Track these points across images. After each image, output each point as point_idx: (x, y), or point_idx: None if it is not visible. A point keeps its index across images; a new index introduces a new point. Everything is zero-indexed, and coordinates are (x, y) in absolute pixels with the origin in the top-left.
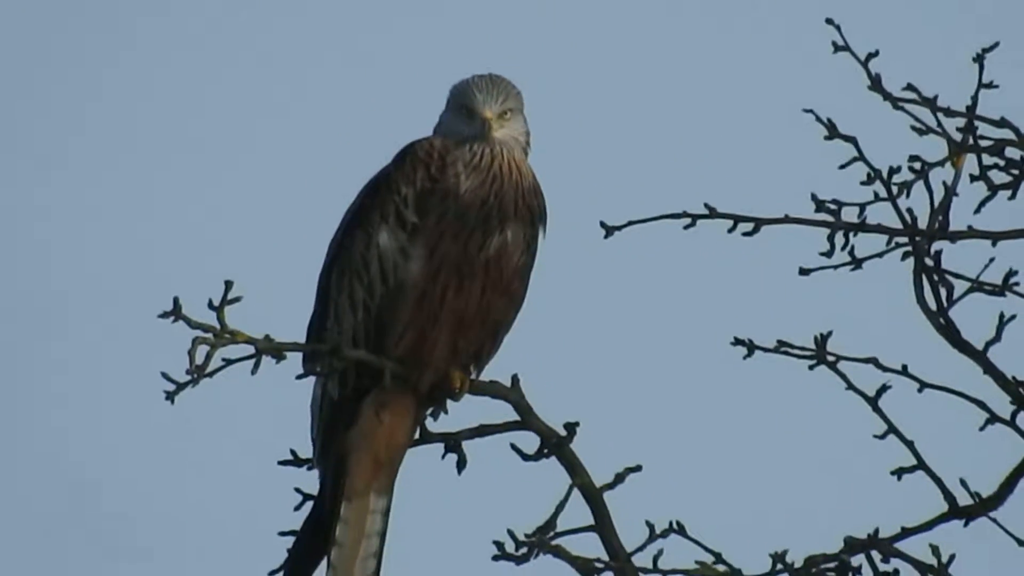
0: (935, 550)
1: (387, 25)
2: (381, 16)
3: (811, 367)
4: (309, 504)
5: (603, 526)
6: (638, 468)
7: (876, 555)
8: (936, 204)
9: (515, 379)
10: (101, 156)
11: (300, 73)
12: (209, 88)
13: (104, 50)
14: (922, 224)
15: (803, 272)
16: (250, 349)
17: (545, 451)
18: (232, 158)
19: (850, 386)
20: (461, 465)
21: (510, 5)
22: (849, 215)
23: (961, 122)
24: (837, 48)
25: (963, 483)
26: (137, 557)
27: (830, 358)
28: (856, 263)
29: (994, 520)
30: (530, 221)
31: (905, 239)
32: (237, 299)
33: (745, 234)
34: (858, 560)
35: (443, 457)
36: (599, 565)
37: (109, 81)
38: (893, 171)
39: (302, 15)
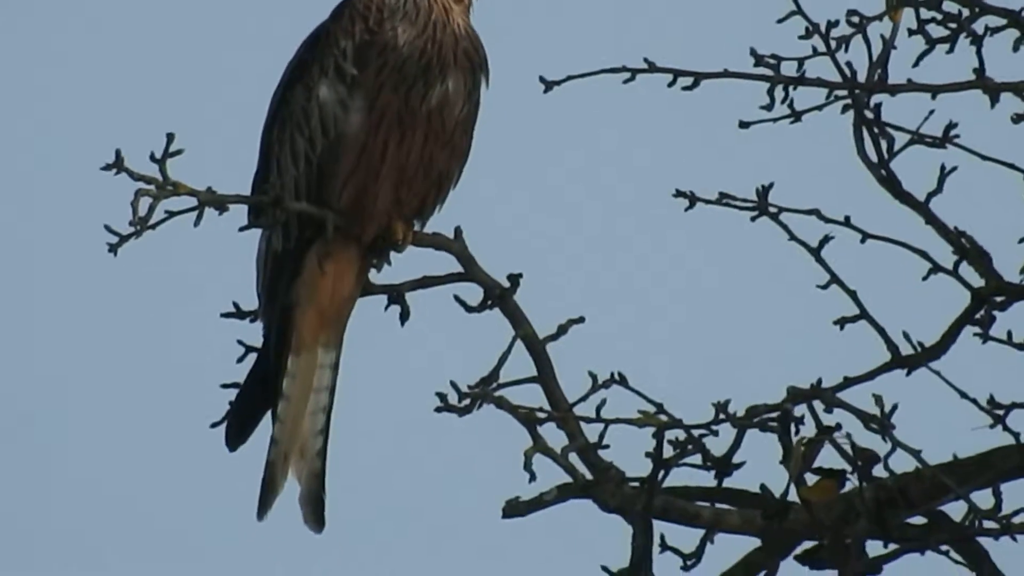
0: (878, 400)
1: None
2: None
3: (753, 219)
4: (252, 357)
5: (546, 377)
6: (581, 320)
7: (819, 405)
8: (875, 58)
9: (458, 231)
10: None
11: None
12: None
13: None
14: (861, 78)
15: (743, 125)
16: (193, 201)
17: (488, 303)
18: (175, 9)
19: (792, 237)
20: (404, 317)
21: None
22: (788, 69)
23: None
24: None
25: (905, 334)
26: (78, 408)
27: (772, 209)
28: (796, 116)
29: (936, 372)
30: (471, 70)
31: (845, 92)
32: (179, 152)
33: (685, 88)
34: (800, 410)
35: (386, 309)
36: (542, 415)
37: None
38: (831, 25)
39: None
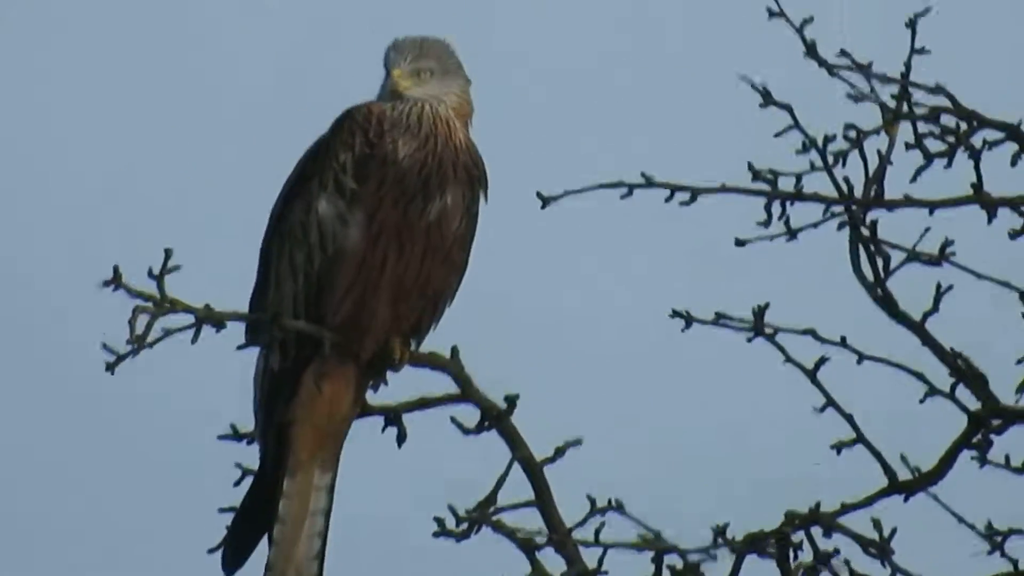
0: (876, 524)
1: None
2: None
3: (749, 339)
4: (249, 479)
5: (544, 500)
6: (578, 442)
7: (817, 530)
8: (871, 173)
9: (455, 350)
10: (36, 121)
11: (241, 43)
12: (146, 55)
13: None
14: (858, 193)
15: (739, 243)
16: (190, 318)
17: (485, 424)
18: (172, 126)
19: (788, 358)
20: (401, 439)
21: None
22: (785, 185)
23: (896, 89)
24: (772, 14)
25: (903, 458)
26: (73, 530)
27: (768, 330)
28: (791, 233)
29: (934, 497)
30: (469, 184)
31: (841, 208)
32: (177, 268)
33: (682, 203)
34: (799, 536)
35: (383, 430)
36: (540, 540)
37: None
38: (828, 139)
39: None
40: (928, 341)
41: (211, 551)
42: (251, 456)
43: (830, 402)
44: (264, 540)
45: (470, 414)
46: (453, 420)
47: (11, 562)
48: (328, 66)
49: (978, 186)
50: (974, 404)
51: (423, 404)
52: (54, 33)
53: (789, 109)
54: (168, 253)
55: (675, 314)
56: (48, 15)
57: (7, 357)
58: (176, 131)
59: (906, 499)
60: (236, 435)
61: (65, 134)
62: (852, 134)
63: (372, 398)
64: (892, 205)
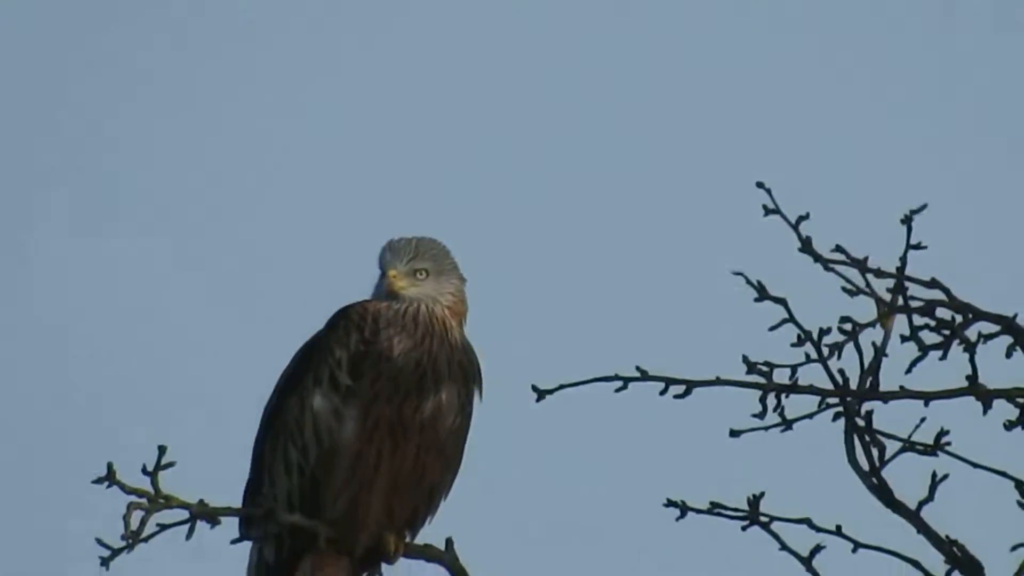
0: None
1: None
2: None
3: (744, 528)
4: None
5: None
6: None
7: None
8: (866, 365)
9: (449, 542)
10: (33, 320)
11: (228, 235)
12: (130, 256)
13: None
14: (853, 385)
15: (733, 434)
16: (184, 514)
17: None
18: (164, 322)
19: (784, 547)
20: None
21: (442, 174)
22: (780, 376)
23: (891, 283)
24: (768, 211)
25: None
26: None
27: (763, 519)
28: (787, 424)
29: None
30: (464, 381)
31: (836, 400)
32: (171, 464)
33: (677, 396)
34: None
35: None
36: None
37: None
38: (823, 332)
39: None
40: (924, 529)
41: None
42: None
43: None
44: None
45: None
46: None
47: None
48: (315, 262)
49: (973, 378)
50: None
51: None
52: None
53: (784, 303)
54: (162, 450)
55: (670, 503)
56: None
57: (10, 550)
58: (167, 325)
59: None
60: None
61: (63, 331)
62: (847, 327)
63: None
64: (887, 397)
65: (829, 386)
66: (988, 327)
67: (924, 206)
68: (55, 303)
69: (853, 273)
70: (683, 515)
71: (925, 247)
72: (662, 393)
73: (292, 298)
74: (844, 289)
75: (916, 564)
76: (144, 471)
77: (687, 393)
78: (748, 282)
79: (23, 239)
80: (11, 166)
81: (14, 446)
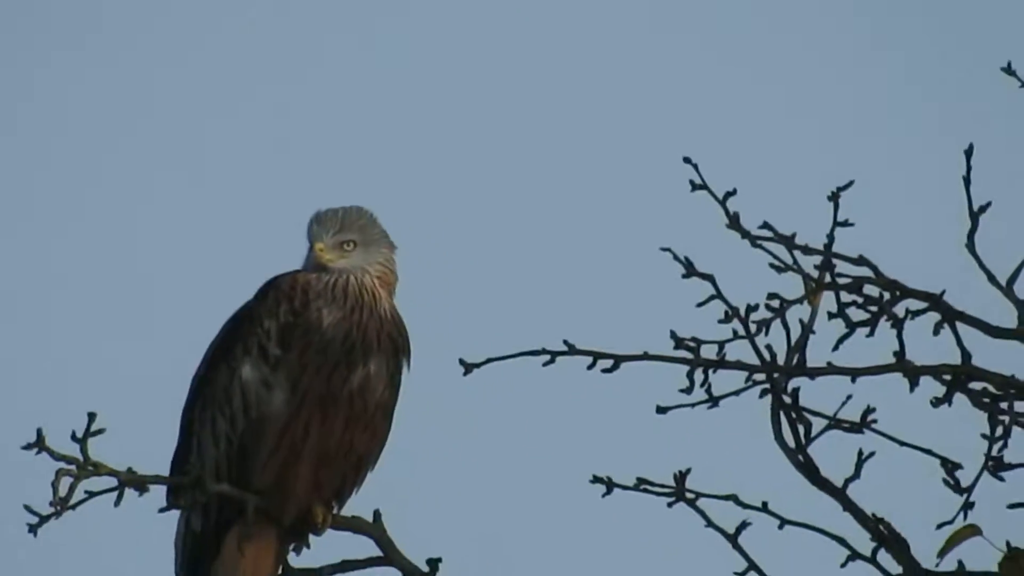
0: None
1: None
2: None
3: (670, 504)
4: None
5: None
6: None
7: None
8: (794, 341)
9: (377, 514)
10: None
11: (161, 198)
12: (71, 215)
13: None
14: (780, 361)
15: (660, 410)
16: (113, 481)
17: None
18: (94, 290)
19: (710, 523)
20: None
21: (373, 141)
22: (708, 352)
23: (819, 259)
24: (695, 187)
25: None
26: None
27: (689, 495)
28: (714, 401)
29: None
30: (393, 353)
31: (763, 376)
32: (100, 431)
33: (604, 371)
34: None
35: None
36: None
37: None
38: (751, 309)
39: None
40: (850, 507)
41: None
42: None
43: (752, 566)
44: None
45: None
46: None
47: None
48: (249, 229)
49: (901, 355)
50: (895, 568)
51: (346, 567)
52: None
53: (711, 279)
54: (92, 416)
55: (596, 479)
56: None
57: None
58: (98, 291)
59: None
60: None
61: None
62: (775, 303)
63: (295, 561)
64: (814, 373)
65: (756, 362)
66: (916, 304)
67: (851, 183)
68: None
69: (780, 250)
70: (609, 491)
71: (852, 224)
72: (589, 367)
73: (223, 267)
74: (772, 265)
75: (842, 541)
76: (73, 438)
77: (614, 368)
78: (676, 258)
79: None
80: None
81: None
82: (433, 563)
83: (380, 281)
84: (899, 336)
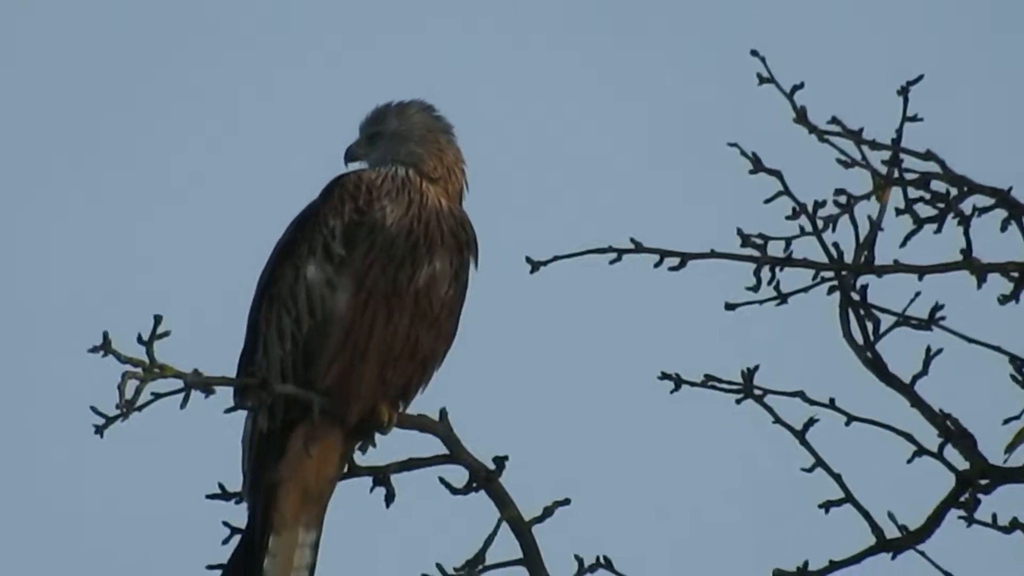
0: None
1: (308, 60)
2: (309, 50)
3: (738, 401)
4: (237, 538)
5: (532, 560)
6: (566, 502)
7: None
8: (862, 238)
9: (443, 413)
10: (29, 191)
11: (232, 107)
12: (137, 120)
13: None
14: (848, 258)
15: (729, 307)
16: (179, 383)
17: (474, 485)
18: (163, 192)
19: (777, 420)
20: (389, 499)
21: (441, 44)
22: (775, 249)
23: (886, 155)
24: (762, 80)
25: (891, 516)
26: None
27: (757, 392)
28: (782, 298)
29: (922, 554)
30: (458, 250)
31: (831, 273)
32: (166, 334)
33: (671, 269)
34: None
35: (371, 491)
36: None
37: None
38: (819, 205)
39: (231, 49)
40: (917, 403)
41: None
42: (238, 515)
43: (819, 462)
44: None
45: (459, 475)
46: (442, 481)
47: None
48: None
49: (967, 252)
50: (962, 464)
51: (412, 465)
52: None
53: (779, 175)
54: (158, 319)
55: (664, 376)
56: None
57: (3, 417)
58: (167, 197)
59: (893, 557)
60: (224, 494)
61: (62, 200)
62: (842, 200)
63: (361, 459)
64: (882, 271)
65: (824, 260)
66: (983, 200)
67: (920, 77)
68: None
69: (848, 145)
70: (677, 388)
71: (921, 119)
72: (656, 265)
73: (290, 166)
74: (839, 161)
75: (909, 437)
76: (140, 340)
77: (682, 265)
78: (743, 154)
79: None
80: None
81: (11, 316)
82: (499, 461)
83: (425, 176)
84: (966, 233)
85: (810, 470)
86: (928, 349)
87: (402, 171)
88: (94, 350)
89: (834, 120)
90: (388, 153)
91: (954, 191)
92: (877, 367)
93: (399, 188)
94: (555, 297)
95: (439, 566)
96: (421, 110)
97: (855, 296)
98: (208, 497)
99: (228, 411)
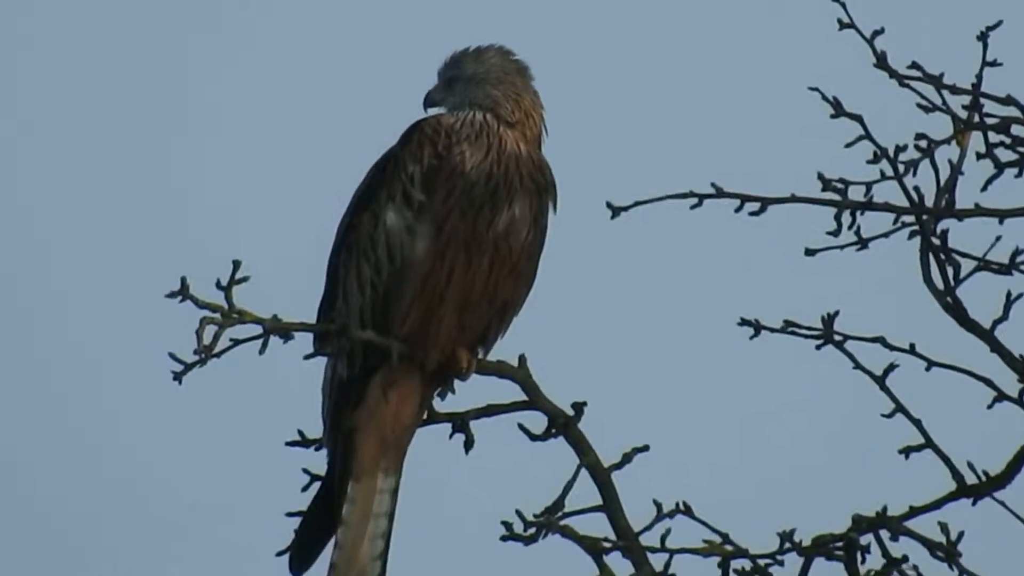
0: (944, 528)
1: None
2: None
3: (818, 347)
4: (316, 485)
5: (611, 506)
6: (645, 448)
7: (885, 534)
8: (942, 183)
9: (522, 359)
10: (105, 139)
11: (310, 56)
12: (214, 72)
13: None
14: (929, 202)
15: (809, 252)
16: (258, 329)
17: (553, 431)
18: (240, 138)
19: (857, 365)
20: (468, 445)
21: None
22: (856, 194)
23: (967, 100)
24: (843, 25)
25: (970, 466)
26: (146, 538)
27: (837, 338)
28: (863, 243)
29: (1001, 502)
30: (537, 194)
31: (912, 218)
32: (245, 279)
33: (752, 214)
34: (867, 539)
35: (450, 437)
36: (607, 545)
37: (113, 66)
38: (899, 149)
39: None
40: (997, 348)
41: (279, 554)
42: (318, 462)
43: (899, 407)
44: (331, 543)
45: (538, 421)
46: (521, 427)
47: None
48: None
49: None
50: None
51: (491, 411)
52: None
53: (860, 119)
54: (236, 265)
55: (744, 322)
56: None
57: (82, 364)
58: (243, 141)
59: (974, 503)
60: (304, 441)
61: (135, 148)
62: (923, 144)
63: (440, 405)
64: (963, 215)
65: (905, 204)
66: None
67: (1000, 23)
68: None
69: (928, 90)
70: (757, 333)
71: (1001, 64)
72: (737, 210)
73: (370, 111)
74: (919, 106)
75: (989, 383)
76: (218, 286)
77: (762, 210)
78: (824, 98)
79: None
80: None
81: (89, 262)
82: (578, 407)
83: (503, 120)
84: None
85: (890, 415)
86: (1008, 294)
87: (480, 115)
88: (172, 295)
89: (914, 65)
90: (466, 97)
91: None
92: (957, 312)
93: (477, 132)
94: (635, 241)
95: (519, 512)
96: (498, 53)
97: (935, 241)
98: (288, 444)
99: (307, 357)
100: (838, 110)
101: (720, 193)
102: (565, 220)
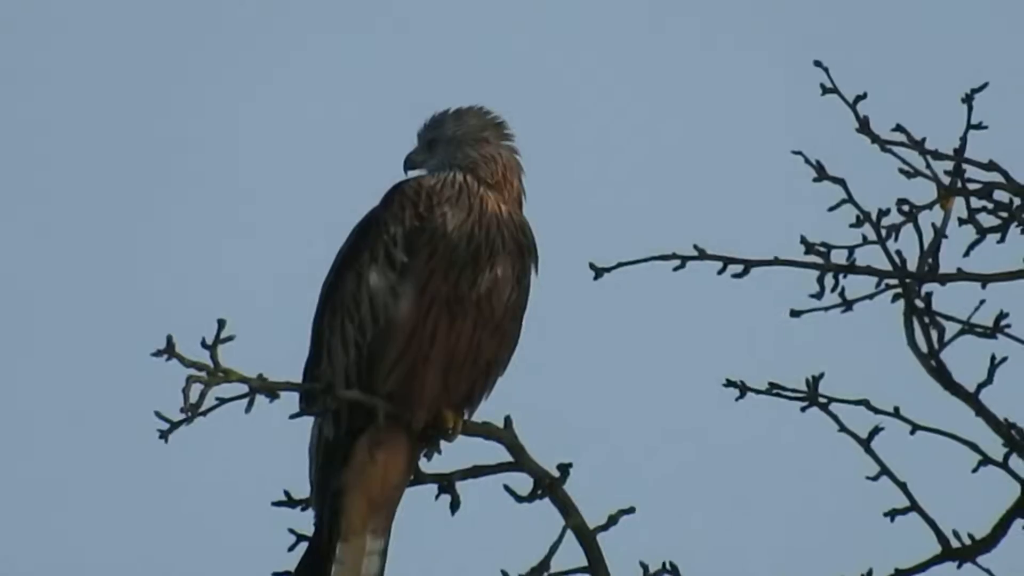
0: None
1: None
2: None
3: (803, 409)
4: (303, 545)
5: (597, 568)
6: (631, 510)
7: None
8: (925, 246)
9: (508, 420)
10: (91, 196)
11: (291, 121)
12: (196, 129)
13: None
14: (912, 266)
15: (794, 314)
16: (244, 388)
17: (539, 492)
18: (225, 199)
19: (842, 428)
20: (454, 506)
21: (500, 47)
22: (839, 257)
23: (950, 165)
24: (825, 90)
25: (955, 534)
26: None
27: (822, 400)
28: (847, 305)
29: (986, 570)
30: (519, 255)
31: (895, 281)
32: (230, 338)
33: (735, 276)
34: None
35: (436, 498)
36: None
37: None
38: (882, 213)
39: (285, 66)
40: (982, 412)
41: None
42: (304, 522)
43: (884, 470)
44: None
45: (523, 482)
46: (506, 488)
47: None
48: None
49: None
50: None
51: (477, 472)
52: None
53: (843, 183)
54: (221, 324)
55: (729, 383)
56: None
57: (66, 423)
58: (228, 202)
59: (959, 566)
60: (290, 501)
61: (121, 203)
62: (906, 208)
63: (426, 466)
64: (946, 278)
65: (888, 267)
66: None
67: (985, 85)
68: None
69: (911, 155)
70: (742, 395)
71: (986, 127)
72: (720, 272)
73: (350, 174)
74: (902, 171)
75: (974, 447)
76: (204, 345)
77: (745, 272)
78: (807, 161)
79: None
80: None
81: (74, 322)
82: (564, 468)
83: (482, 181)
84: None
85: (875, 478)
86: (993, 357)
87: (460, 176)
88: (158, 354)
89: (898, 129)
90: (446, 159)
91: (1017, 200)
92: (942, 375)
93: (458, 194)
94: (619, 303)
95: (504, 573)
96: (477, 114)
97: (919, 304)
98: (274, 504)
99: (293, 417)
100: (821, 174)
101: (703, 255)
102: (549, 281)
